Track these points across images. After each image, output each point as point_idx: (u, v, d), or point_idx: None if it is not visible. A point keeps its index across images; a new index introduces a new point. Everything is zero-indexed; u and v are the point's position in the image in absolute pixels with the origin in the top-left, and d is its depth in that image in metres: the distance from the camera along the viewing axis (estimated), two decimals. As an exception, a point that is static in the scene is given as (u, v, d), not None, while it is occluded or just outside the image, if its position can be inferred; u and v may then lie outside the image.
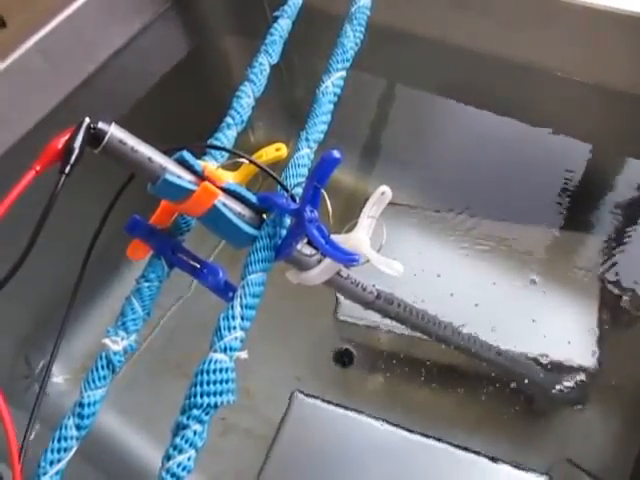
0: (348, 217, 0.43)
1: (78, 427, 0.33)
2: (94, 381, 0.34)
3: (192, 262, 0.36)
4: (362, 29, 0.49)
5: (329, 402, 0.61)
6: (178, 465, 0.30)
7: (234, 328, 0.33)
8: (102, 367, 0.34)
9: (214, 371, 0.31)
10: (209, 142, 0.43)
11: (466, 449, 0.58)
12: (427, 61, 0.69)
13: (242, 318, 0.34)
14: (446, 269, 0.68)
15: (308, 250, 0.40)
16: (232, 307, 0.34)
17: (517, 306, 0.64)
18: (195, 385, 0.31)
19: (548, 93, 0.65)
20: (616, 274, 0.67)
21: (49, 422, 0.71)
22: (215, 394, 0.31)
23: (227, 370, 0.32)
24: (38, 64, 0.64)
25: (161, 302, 0.78)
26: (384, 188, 0.41)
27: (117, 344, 0.34)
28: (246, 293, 0.34)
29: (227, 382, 0.32)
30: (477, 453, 0.57)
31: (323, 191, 0.35)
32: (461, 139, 0.80)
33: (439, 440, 0.59)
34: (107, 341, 0.34)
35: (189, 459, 0.31)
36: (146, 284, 0.36)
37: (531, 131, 0.74)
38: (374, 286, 0.44)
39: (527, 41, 0.63)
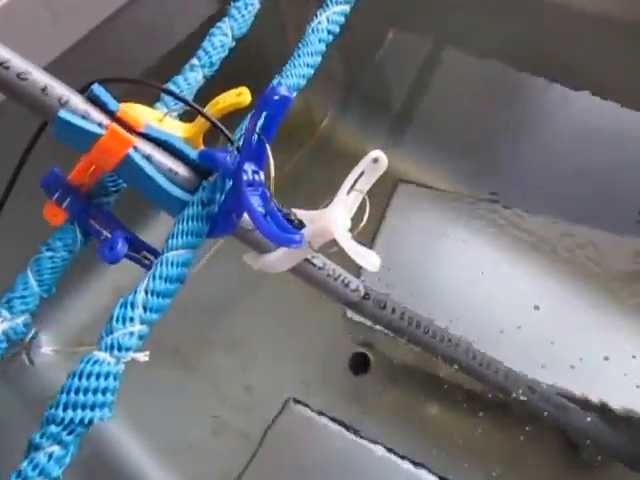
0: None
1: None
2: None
3: (105, 231, 0.28)
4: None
5: (329, 417, 0.52)
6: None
7: (131, 320, 0.25)
8: (-29, 354, 0.27)
9: (90, 375, 0.23)
10: (166, 85, 0.35)
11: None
12: (475, 20, 0.56)
13: (145, 308, 0.25)
14: (496, 271, 0.56)
15: (270, 227, 0.30)
16: (135, 292, 0.25)
17: (569, 327, 0.50)
18: (62, 392, 0.23)
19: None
20: None
21: (34, 392, 0.68)
22: (85, 407, 0.23)
23: (108, 376, 0.23)
24: (37, 11, 0.58)
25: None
26: (377, 153, 0.31)
27: (-5, 326, 0.27)
28: (157, 275, 0.26)
29: (104, 392, 0.23)
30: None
31: (267, 146, 0.25)
32: (533, 119, 0.66)
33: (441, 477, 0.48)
34: (-18, 321, 0.27)
35: (40, 491, 0.23)
36: (48, 254, 0.29)
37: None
38: (363, 282, 0.34)
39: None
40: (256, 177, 0.26)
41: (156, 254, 0.30)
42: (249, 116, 0.25)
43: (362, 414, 0.60)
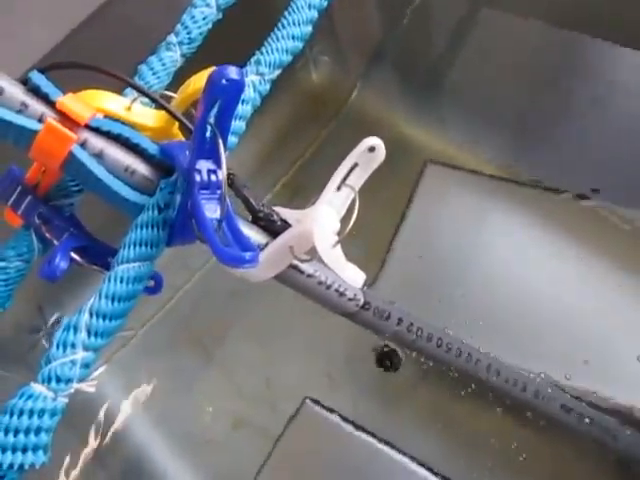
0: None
1: None
2: None
3: (55, 239, 0.25)
4: None
5: (341, 416, 0.48)
6: None
7: (72, 346, 0.21)
8: None
9: (22, 412, 0.20)
10: (138, 67, 0.31)
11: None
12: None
13: (90, 332, 0.22)
14: (538, 262, 0.49)
15: (248, 231, 0.26)
16: (79, 312, 0.22)
17: (620, 332, 0.43)
18: (-8, 430, 0.20)
19: None
20: None
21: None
22: (15, 450, 0.20)
23: (44, 413, 0.20)
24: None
25: (188, 264, 0.70)
26: (373, 140, 0.26)
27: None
28: (104, 293, 0.22)
29: (38, 432, 0.20)
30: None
31: (220, 141, 0.21)
32: (590, 91, 0.58)
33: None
34: None
35: None
36: (1, 264, 0.26)
37: None
38: (364, 289, 0.30)
39: None
40: (212, 177, 0.21)
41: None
42: (200, 101, 0.20)
43: (388, 413, 0.56)
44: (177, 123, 0.29)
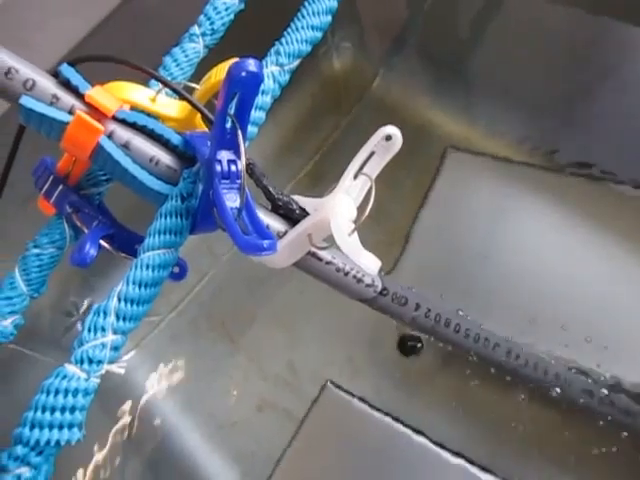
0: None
1: None
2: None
3: (84, 227, 0.26)
4: None
5: (367, 402, 0.49)
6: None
7: (103, 330, 0.23)
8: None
9: (58, 392, 0.22)
10: (163, 58, 0.31)
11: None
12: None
13: (119, 317, 0.23)
14: (551, 250, 0.49)
15: (268, 220, 0.27)
16: (108, 298, 0.23)
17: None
18: (29, 409, 0.22)
19: None
20: None
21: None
22: (52, 427, 0.21)
23: (77, 392, 0.22)
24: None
25: (213, 250, 0.71)
26: (390, 129, 0.26)
27: (-18, 329, 0.26)
28: (131, 279, 0.23)
29: (73, 411, 0.22)
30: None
31: (239, 131, 0.21)
32: (618, 76, 0.56)
33: (492, 473, 0.44)
34: (-33, 324, 0.26)
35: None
36: (35, 251, 0.27)
37: None
38: (381, 275, 0.30)
39: None
40: (232, 167, 0.22)
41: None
42: (220, 94, 0.21)
43: (410, 397, 0.57)
44: (199, 114, 0.30)
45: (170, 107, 0.29)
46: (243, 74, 0.20)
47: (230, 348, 0.66)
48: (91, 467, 0.56)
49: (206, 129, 0.30)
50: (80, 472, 0.56)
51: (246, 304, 0.68)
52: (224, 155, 0.22)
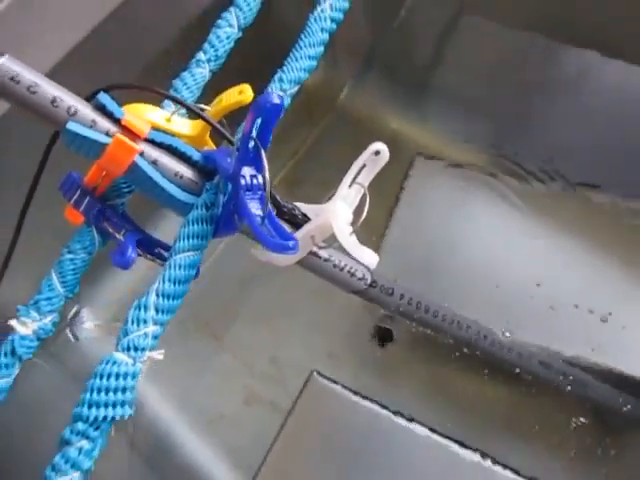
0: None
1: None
2: (-3, 369, 0.29)
3: (118, 234, 0.29)
4: None
5: (347, 388, 0.54)
6: (58, 488, 0.25)
7: (144, 322, 0.26)
8: (6, 354, 0.29)
9: (110, 376, 0.25)
10: (173, 82, 0.35)
11: (506, 466, 0.48)
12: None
13: (157, 310, 0.27)
14: (508, 247, 0.56)
15: (275, 223, 0.31)
16: (147, 294, 0.27)
17: (593, 302, 0.50)
18: (86, 391, 0.25)
19: None
20: None
21: (79, 366, 0.72)
22: (107, 405, 0.25)
23: (126, 376, 0.25)
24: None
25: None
26: (378, 146, 0.31)
27: (26, 327, 0.29)
28: (167, 278, 0.27)
29: (124, 391, 0.25)
30: (516, 472, 0.47)
31: (262, 151, 0.26)
32: (556, 87, 0.64)
33: (474, 450, 0.49)
34: (14, 323, 0.29)
35: (72, 483, 0.25)
36: (69, 256, 0.30)
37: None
38: (369, 271, 0.35)
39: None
40: (254, 181, 0.26)
41: (169, 249, 0.32)
42: (245, 121, 0.25)
43: (386, 384, 0.62)
44: (208, 132, 0.34)
45: (183, 126, 0.33)
46: (268, 105, 0.24)
47: (215, 346, 0.69)
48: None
49: (213, 145, 0.34)
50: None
51: (229, 304, 0.72)
52: (247, 171, 0.26)
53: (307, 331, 0.68)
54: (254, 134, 0.26)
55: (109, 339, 0.78)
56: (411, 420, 0.51)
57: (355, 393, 0.53)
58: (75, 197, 0.31)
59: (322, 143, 0.76)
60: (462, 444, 0.50)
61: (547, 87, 0.62)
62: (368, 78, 0.74)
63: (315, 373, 0.56)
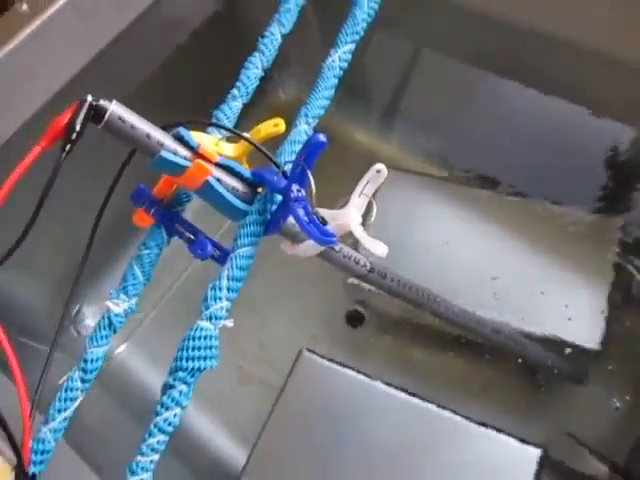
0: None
1: (82, 380, 0.37)
2: (97, 340, 0.37)
3: (188, 233, 0.38)
4: (377, 1, 0.48)
5: (334, 361, 0.64)
6: (164, 420, 0.34)
7: (220, 299, 0.35)
8: (104, 327, 0.37)
9: (199, 338, 0.34)
10: (214, 113, 0.44)
11: (465, 416, 0.60)
12: (456, 28, 0.66)
13: (228, 290, 0.36)
14: (459, 240, 0.69)
15: (302, 224, 0.41)
16: (220, 278, 0.36)
17: (527, 282, 0.64)
18: (182, 349, 0.34)
19: (583, 71, 0.62)
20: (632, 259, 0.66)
21: (81, 356, 0.79)
22: (199, 359, 0.34)
23: (211, 337, 0.35)
24: (71, 19, 0.65)
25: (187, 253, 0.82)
26: (379, 166, 0.41)
27: (118, 306, 0.37)
28: (234, 266, 0.36)
29: (211, 348, 0.34)
30: (474, 421, 0.59)
31: (309, 172, 0.36)
32: (495, 112, 0.77)
33: (438, 405, 0.61)
34: (109, 303, 0.37)
35: (175, 416, 0.34)
36: (146, 251, 0.39)
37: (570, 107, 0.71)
38: (368, 259, 0.46)
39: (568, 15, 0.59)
40: (299, 194, 0.36)
41: (220, 247, 0.41)
42: (298, 152, 0.35)
43: (360, 360, 0.73)
44: (246, 154, 0.43)
45: (228, 149, 0.42)
46: (315, 141, 0.34)
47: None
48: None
49: (247, 165, 0.44)
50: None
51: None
52: (294, 187, 0.36)
53: (290, 317, 0.78)
54: (302, 161, 0.35)
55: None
56: (389, 385, 0.62)
57: (343, 366, 0.63)
58: (146, 204, 0.39)
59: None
60: (427, 400, 0.62)
61: (488, 110, 0.76)
62: (337, 97, 0.85)
63: (305, 350, 0.65)
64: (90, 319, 0.76)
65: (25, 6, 0.62)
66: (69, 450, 0.45)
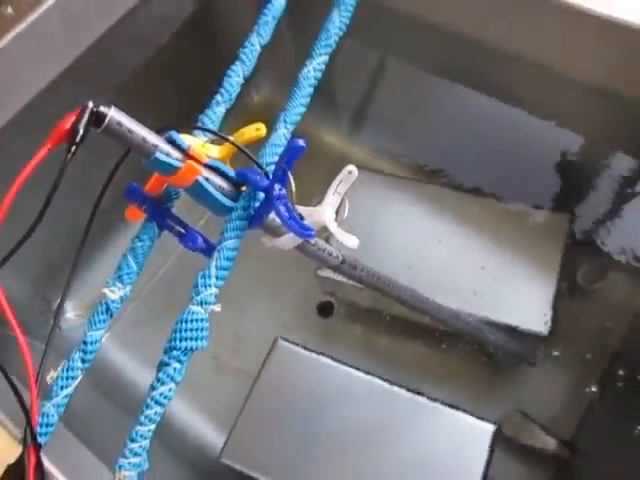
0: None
1: (82, 360, 0.40)
2: (95, 323, 0.41)
3: (178, 227, 0.42)
4: (349, 15, 0.53)
5: (307, 349, 0.69)
6: (160, 394, 0.38)
7: (209, 285, 0.39)
8: (102, 312, 0.41)
9: (191, 321, 0.38)
10: (200, 117, 0.48)
11: (428, 397, 0.65)
12: (419, 40, 0.71)
13: (216, 278, 0.40)
14: (422, 235, 0.74)
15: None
16: (209, 267, 0.40)
17: (484, 272, 0.70)
18: (175, 331, 0.38)
19: (542, 87, 0.68)
20: (578, 252, 0.73)
21: (61, 351, 0.81)
22: (191, 339, 0.38)
23: (202, 320, 0.39)
24: (55, 25, 0.68)
25: (164, 249, 0.85)
26: (351, 167, 0.46)
27: (114, 293, 0.41)
28: (221, 256, 0.40)
29: (202, 330, 0.38)
30: (436, 401, 0.64)
31: (289, 173, 0.40)
32: (455, 117, 0.83)
33: (402, 387, 0.66)
34: (106, 291, 0.41)
35: (170, 390, 0.38)
36: (139, 244, 0.43)
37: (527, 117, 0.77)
38: (340, 252, 0.50)
39: (517, 32, 0.64)
40: (281, 192, 0.40)
41: (206, 240, 0.45)
42: (280, 155, 0.40)
43: (331, 347, 0.77)
44: (230, 155, 0.47)
45: (213, 150, 0.46)
46: (295, 146, 0.38)
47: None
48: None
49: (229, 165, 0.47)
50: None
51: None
52: (277, 186, 0.40)
53: (264, 309, 0.82)
54: (283, 163, 0.40)
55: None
56: (358, 370, 0.67)
57: (315, 353, 0.68)
58: (139, 200, 0.43)
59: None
60: (393, 383, 0.67)
61: (449, 116, 0.82)
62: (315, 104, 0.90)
63: (280, 337, 0.70)
64: (70, 312, 0.78)
65: (10, 9, 0.64)
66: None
